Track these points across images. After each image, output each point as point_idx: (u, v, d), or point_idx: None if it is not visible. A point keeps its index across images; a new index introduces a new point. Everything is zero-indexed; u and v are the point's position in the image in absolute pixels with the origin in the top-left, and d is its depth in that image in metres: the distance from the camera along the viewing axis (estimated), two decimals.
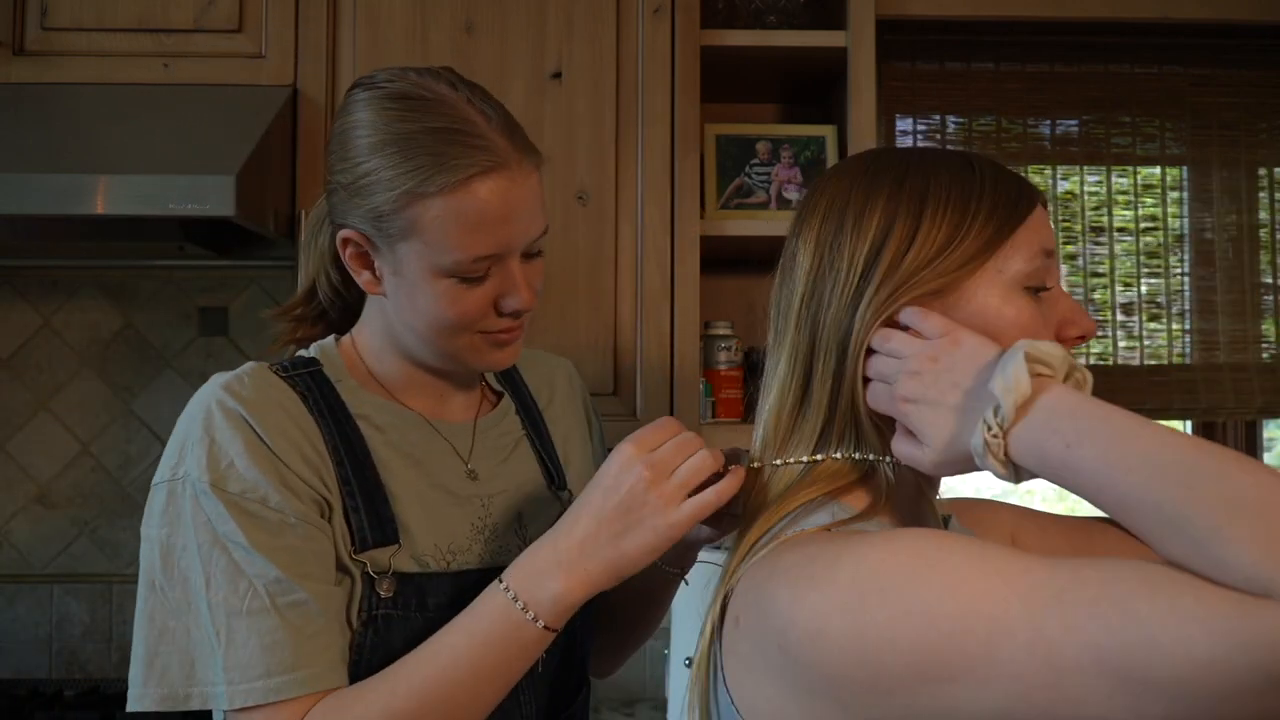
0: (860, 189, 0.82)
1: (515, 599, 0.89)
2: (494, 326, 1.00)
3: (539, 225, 0.99)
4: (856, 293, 0.79)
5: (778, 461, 0.83)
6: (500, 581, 0.91)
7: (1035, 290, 0.80)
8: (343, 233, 0.99)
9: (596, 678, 1.23)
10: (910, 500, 0.82)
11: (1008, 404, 0.68)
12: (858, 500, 0.81)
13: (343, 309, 1.11)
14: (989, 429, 0.68)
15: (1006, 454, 0.69)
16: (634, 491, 0.87)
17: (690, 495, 0.87)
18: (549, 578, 0.89)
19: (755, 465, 0.85)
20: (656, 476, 0.86)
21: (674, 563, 1.06)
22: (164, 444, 0.97)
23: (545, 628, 0.90)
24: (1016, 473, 0.70)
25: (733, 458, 0.91)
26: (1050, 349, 0.70)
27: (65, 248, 1.98)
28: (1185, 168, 2.18)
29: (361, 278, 1.00)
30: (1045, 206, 0.84)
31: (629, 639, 1.22)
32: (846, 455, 0.81)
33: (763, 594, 0.73)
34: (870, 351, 0.79)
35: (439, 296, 0.96)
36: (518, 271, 0.99)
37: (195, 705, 0.90)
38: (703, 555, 1.05)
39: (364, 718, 0.89)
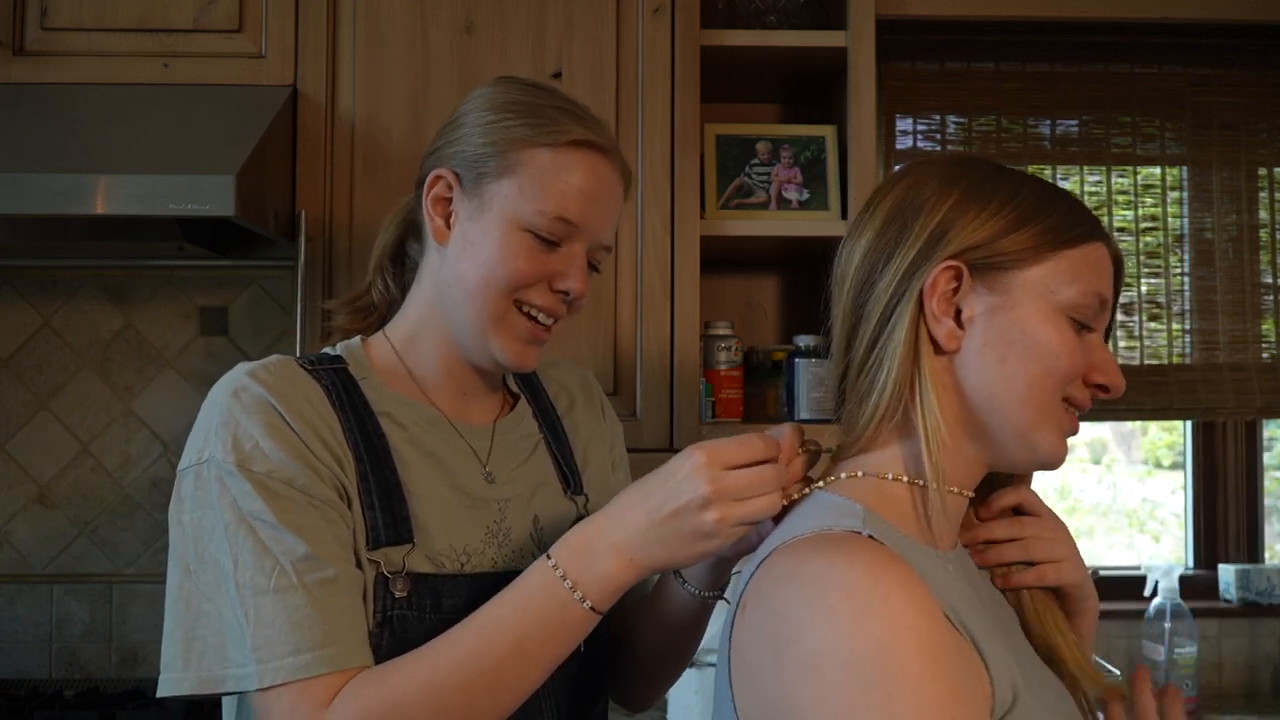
0: (938, 180, 0.85)
1: (564, 577, 0.89)
2: (538, 300, 1.02)
3: (611, 232, 1.06)
4: (913, 261, 0.83)
5: (819, 483, 0.88)
6: (549, 558, 0.90)
7: (1080, 326, 0.83)
8: (435, 170, 1.04)
9: (632, 711, 1.21)
10: (935, 512, 0.83)
11: None
12: (890, 503, 0.83)
13: (389, 307, 1.12)
14: None
15: None
16: (690, 506, 0.85)
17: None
18: (599, 559, 0.88)
19: (801, 494, 0.88)
20: (717, 498, 0.84)
21: (710, 585, 1.04)
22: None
23: (592, 608, 0.89)
24: None
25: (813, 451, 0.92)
26: None
27: (65, 248, 1.98)
28: (1185, 168, 2.18)
29: (434, 223, 1.04)
30: (1118, 264, 0.88)
31: (668, 670, 1.18)
32: (896, 477, 0.84)
33: (777, 592, 0.74)
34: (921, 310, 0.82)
35: (506, 246, 1.00)
36: (582, 257, 1.03)
37: (230, 688, 0.89)
38: None
39: (404, 689, 0.87)
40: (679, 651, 1.14)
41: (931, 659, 0.69)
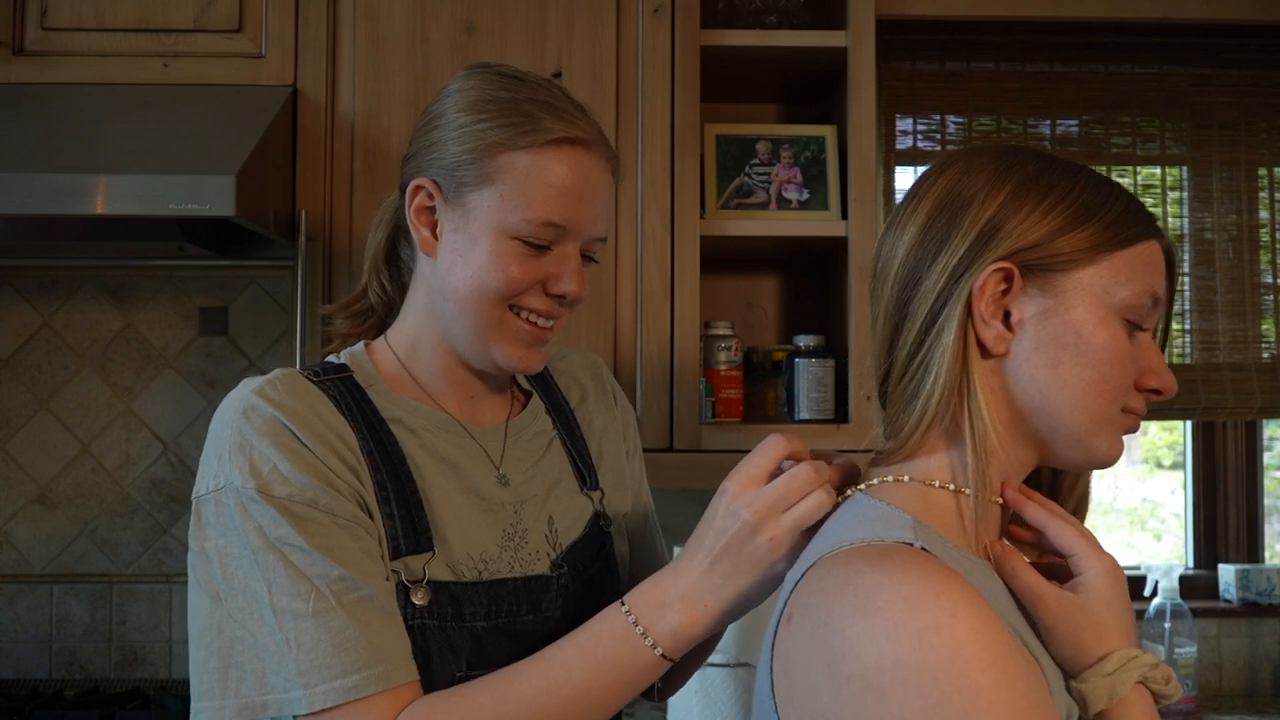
0: (989, 173, 0.82)
1: (636, 624, 0.88)
2: (534, 304, 1.00)
3: (604, 224, 1.02)
4: (962, 259, 0.80)
5: (861, 486, 0.84)
6: (622, 604, 0.90)
7: (1133, 327, 0.80)
8: (415, 181, 1.01)
9: (650, 700, 1.19)
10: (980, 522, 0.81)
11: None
12: (937, 511, 0.81)
13: (387, 309, 1.11)
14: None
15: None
16: (739, 537, 0.85)
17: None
18: (671, 609, 0.88)
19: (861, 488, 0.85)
20: (761, 520, 0.84)
21: None
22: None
23: (663, 655, 0.88)
24: None
25: (849, 476, 0.88)
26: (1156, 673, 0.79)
27: (65, 248, 1.98)
28: (1185, 168, 2.18)
29: (420, 234, 1.01)
30: (1170, 260, 0.84)
31: (689, 661, 1.15)
32: (943, 485, 0.82)
33: (828, 605, 0.71)
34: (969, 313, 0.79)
35: (496, 255, 0.97)
36: (575, 257, 1.00)
37: (272, 714, 0.88)
38: None
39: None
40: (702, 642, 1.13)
41: (1004, 672, 0.66)
